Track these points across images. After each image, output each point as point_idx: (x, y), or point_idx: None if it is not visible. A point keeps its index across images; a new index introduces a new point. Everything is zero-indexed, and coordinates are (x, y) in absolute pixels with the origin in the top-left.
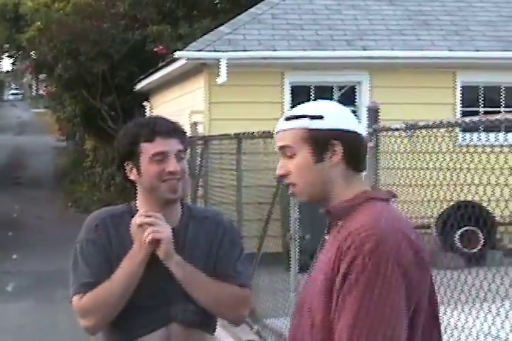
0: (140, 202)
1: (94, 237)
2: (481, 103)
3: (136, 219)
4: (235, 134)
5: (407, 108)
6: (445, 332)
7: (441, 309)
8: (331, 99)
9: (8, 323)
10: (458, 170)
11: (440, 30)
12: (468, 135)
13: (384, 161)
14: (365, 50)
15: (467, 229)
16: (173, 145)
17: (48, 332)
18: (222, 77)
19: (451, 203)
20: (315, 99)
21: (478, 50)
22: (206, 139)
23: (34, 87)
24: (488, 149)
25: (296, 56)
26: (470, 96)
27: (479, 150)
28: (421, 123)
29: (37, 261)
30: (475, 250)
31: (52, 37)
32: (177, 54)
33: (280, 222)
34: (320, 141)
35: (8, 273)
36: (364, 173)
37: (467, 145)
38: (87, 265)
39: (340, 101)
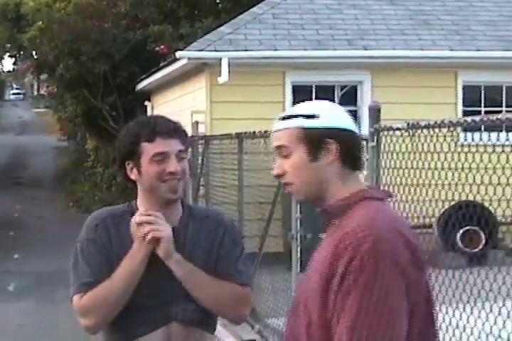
0: (140, 202)
1: (94, 237)
2: (482, 102)
3: (136, 218)
4: (236, 134)
5: (408, 108)
6: (447, 331)
7: (443, 309)
8: (332, 98)
9: (8, 323)
10: (459, 170)
11: (441, 30)
12: (469, 134)
13: (385, 161)
14: (366, 49)
15: (469, 229)
16: (173, 145)
17: (48, 331)
18: (224, 77)
19: (453, 203)
20: (316, 99)
21: (479, 50)
22: (207, 139)
23: (35, 87)
24: (489, 149)
25: (297, 56)
26: (471, 96)
27: (481, 149)
28: (422, 123)
29: (38, 261)
30: (476, 250)
31: (53, 37)
32: (178, 54)
33: (281, 222)
34: (315, 140)
35: (9, 273)
36: (362, 172)
37: (469, 145)
38: (87, 264)
39: (341, 101)
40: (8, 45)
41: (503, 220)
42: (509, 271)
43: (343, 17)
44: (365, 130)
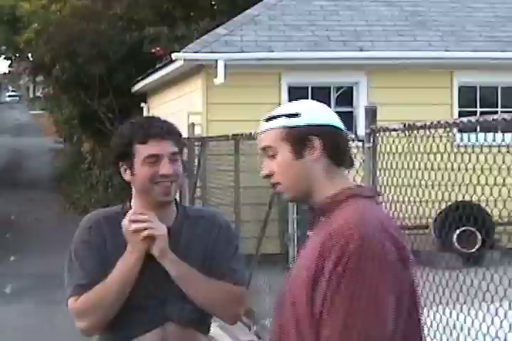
0: (135, 203)
1: (88, 239)
2: (478, 103)
3: (131, 217)
4: (232, 135)
5: (404, 108)
6: (444, 332)
7: (440, 309)
8: (328, 99)
9: (5, 325)
10: (455, 171)
11: (437, 31)
12: (465, 135)
13: (382, 162)
14: (362, 50)
15: (465, 230)
16: (166, 147)
17: (45, 334)
18: (220, 78)
19: (449, 203)
20: (313, 100)
21: (475, 51)
22: (204, 140)
23: (31, 89)
24: (485, 149)
25: (293, 57)
26: (467, 97)
27: (477, 150)
28: (418, 124)
29: (35, 263)
30: (473, 250)
31: (49, 39)
32: (174, 55)
33: (278, 223)
34: (298, 138)
35: (5, 275)
36: (350, 169)
37: (465, 146)
38: (81, 267)
39: (337, 102)
40: (4, 48)
41: (500, 221)
42: (506, 272)
43: (338, 18)
44: (361, 131)
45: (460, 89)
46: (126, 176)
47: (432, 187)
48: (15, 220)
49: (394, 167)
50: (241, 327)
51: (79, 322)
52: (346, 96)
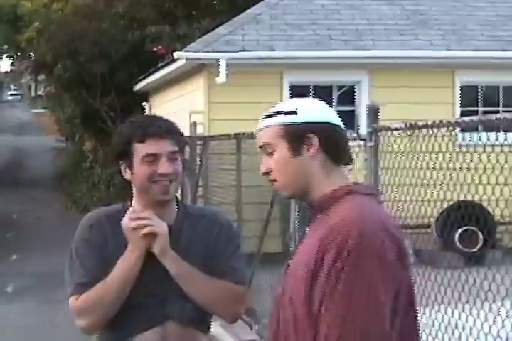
0: (135, 202)
1: (89, 237)
2: (479, 103)
3: (131, 215)
4: (234, 134)
5: (405, 107)
6: (446, 331)
7: (442, 308)
8: (330, 98)
9: (7, 324)
10: (457, 170)
11: (438, 30)
12: (467, 134)
13: (384, 161)
14: (363, 49)
15: (467, 229)
16: (165, 146)
17: (47, 332)
18: (222, 78)
19: (451, 203)
20: (314, 99)
21: (476, 50)
22: (206, 139)
23: (33, 88)
24: (488, 149)
25: (295, 56)
26: (469, 96)
27: (479, 149)
28: (420, 123)
29: (36, 262)
30: (475, 250)
31: (51, 37)
32: (176, 54)
33: (280, 222)
34: (295, 135)
35: (7, 274)
36: (348, 166)
37: (467, 145)
38: (82, 265)
39: (339, 101)
40: (6, 46)
41: (501, 220)
42: (507, 271)
43: (340, 17)
44: (362, 130)
45: (462, 88)
46: (126, 175)
47: (434, 187)
48: (16, 219)
49: (396, 166)
50: (243, 326)
51: (79, 321)
52: (348, 95)
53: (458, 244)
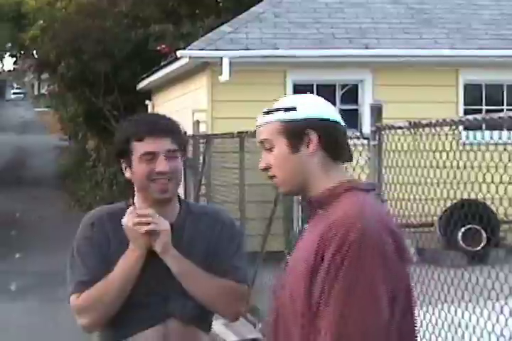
0: (137, 200)
1: (91, 235)
2: (483, 101)
3: (134, 211)
4: (237, 132)
5: (409, 106)
6: (449, 330)
7: (445, 307)
8: (333, 97)
9: (10, 322)
10: (461, 168)
11: (442, 28)
12: (471, 133)
13: (387, 159)
14: (367, 48)
15: (470, 228)
16: (163, 145)
17: (50, 331)
18: (225, 76)
19: (455, 201)
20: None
21: (480, 48)
22: (209, 138)
23: (36, 87)
24: (491, 147)
25: (299, 54)
26: (472, 95)
27: (483, 148)
28: (424, 122)
29: (39, 260)
30: (478, 248)
31: (54, 36)
32: (179, 53)
33: (283, 221)
34: (294, 132)
35: (10, 273)
36: (347, 163)
37: (470, 144)
38: (83, 263)
39: (342, 100)
40: (9, 45)
41: (505, 219)
42: (511, 270)
43: (344, 15)
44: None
45: (465, 86)
46: (127, 173)
47: (438, 185)
48: (19, 218)
49: (399, 165)
50: (246, 324)
51: (80, 319)
52: (351, 93)
53: (461, 242)
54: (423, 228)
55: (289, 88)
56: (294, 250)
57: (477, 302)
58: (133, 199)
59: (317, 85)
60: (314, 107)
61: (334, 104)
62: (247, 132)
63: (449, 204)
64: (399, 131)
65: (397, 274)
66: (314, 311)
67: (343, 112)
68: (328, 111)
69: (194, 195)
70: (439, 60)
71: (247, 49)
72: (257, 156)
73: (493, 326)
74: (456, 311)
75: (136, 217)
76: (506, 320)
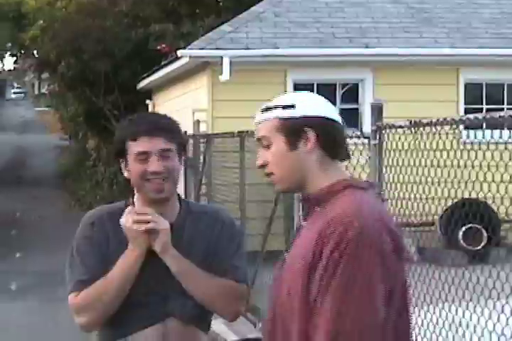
0: (136, 199)
1: (90, 235)
2: (484, 100)
3: (135, 209)
4: (237, 132)
5: (409, 105)
6: (450, 329)
7: (446, 307)
8: (334, 96)
9: (11, 322)
10: (462, 168)
11: (443, 28)
12: (471, 132)
13: (388, 159)
14: (367, 47)
15: (471, 227)
16: (156, 144)
17: (50, 331)
18: (225, 75)
19: (455, 200)
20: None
21: (481, 47)
22: (209, 137)
23: (37, 86)
24: (492, 146)
25: (299, 54)
26: (473, 94)
27: (483, 147)
28: (424, 121)
29: (40, 260)
30: (479, 247)
31: (54, 35)
32: (180, 52)
33: (284, 220)
34: (292, 129)
35: (10, 272)
36: (345, 161)
37: (471, 143)
38: (82, 263)
39: (343, 99)
40: (9, 44)
41: (506, 218)
42: None
43: (344, 15)
44: (366, 128)
45: (466, 86)
46: (125, 173)
47: (438, 184)
48: (20, 217)
49: (400, 164)
50: (247, 324)
51: (78, 318)
52: (352, 93)
53: (462, 241)
54: (424, 227)
55: (290, 87)
56: (291, 247)
57: (478, 301)
58: (133, 198)
59: (317, 84)
60: (313, 105)
61: (335, 103)
62: (247, 131)
63: (449, 203)
64: (399, 130)
65: (395, 273)
66: (312, 308)
67: (343, 111)
68: (327, 109)
69: (195, 194)
70: (439, 59)
71: (248, 48)
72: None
73: (494, 325)
74: (456, 310)
75: (135, 215)
76: (507, 319)
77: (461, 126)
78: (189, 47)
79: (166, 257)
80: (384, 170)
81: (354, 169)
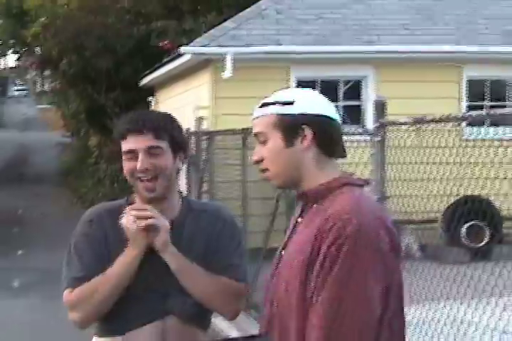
0: (137, 197)
1: (88, 232)
2: (486, 97)
3: (134, 206)
4: (240, 129)
5: (412, 102)
6: (452, 327)
7: (448, 304)
8: (336, 93)
9: (13, 319)
10: (464, 165)
11: (445, 25)
12: (474, 129)
13: (390, 156)
14: (370, 44)
15: (473, 224)
16: (142, 142)
17: (52, 328)
18: (228, 72)
19: (458, 197)
20: (321, 94)
21: (483, 44)
22: (211, 134)
23: (39, 83)
24: (496, 143)
25: (301, 51)
26: (475, 91)
27: (486, 144)
28: (427, 118)
29: (42, 257)
30: (481, 245)
31: (56, 32)
32: (182, 49)
33: (286, 217)
34: (289, 126)
35: (13, 269)
36: (341, 159)
37: (473, 140)
38: (79, 260)
39: (345, 96)
40: (11, 42)
41: (508, 215)
42: None
43: (346, 12)
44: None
45: (468, 82)
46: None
47: (441, 182)
48: (22, 215)
49: (402, 161)
50: (249, 320)
51: (71, 314)
52: (354, 90)
53: (464, 239)
54: (426, 224)
55: (292, 84)
56: (286, 244)
57: (480, 298)
58: (134, 195)
59: (320, 81)
60: (311, 102)
61: (337, 100)
62: (249, 129)
63: (452, 200)
64: (402, 127)
65: (392, 270)
66: (309, 304)
67: (345, 108)
68: (325, 106)
69: (196, 191)
70: (441, 56)
71: (250, 45)
72: None
73: (496, 322)
74: (458, 308)
75: (134, 211)
76: (509, 316)
77: (464, 123)
78: (191, 44)
79: (165, 254)
80: (386, 167)
81: (357, 166)
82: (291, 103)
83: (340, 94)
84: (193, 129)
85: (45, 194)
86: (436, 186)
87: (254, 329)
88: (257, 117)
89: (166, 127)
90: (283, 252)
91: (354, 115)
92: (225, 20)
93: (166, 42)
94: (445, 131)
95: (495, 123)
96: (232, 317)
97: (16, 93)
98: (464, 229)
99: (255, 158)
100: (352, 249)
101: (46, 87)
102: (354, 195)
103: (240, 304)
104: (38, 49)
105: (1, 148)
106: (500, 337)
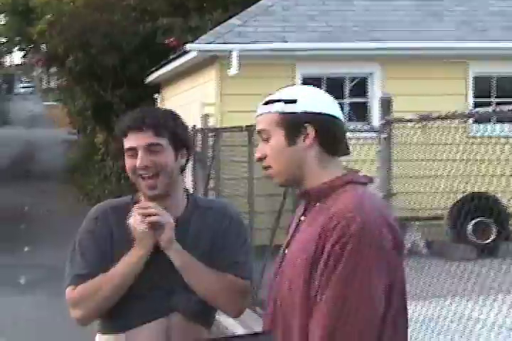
0: (142, 194)
1: (93, 229)
2: (493, 94)
3: (140, 204)
4: (246, 126)
5: (418, 99)
6: (459, 323)
7: (455, 300)
8: (342, 90)
9: (20, 316)
10: (471, 161)
11: (451, 21)
12: (481, 126)
13: (397, 152)
14: (376, 41)
15: (480, 221)
16: (142, 139)
17: (58, 325)
18: (234, 69)
19: (464, 194)
20: (326, 91)
21: (489, 41)
22: (217, 131)
23: (45, 80)
24: (501, 140)
25: (307, 48)
26: (482, 87)
27: (493, 141)
28: (434, 115)
29: (48, 254)
30: (488, 241)
31: (62, 30)
32: (188, 46)
33: (293, 214)
34: (292, 124)
35: (19, 266)
36: (346, 157)
37: (480, 137)
38: (83, 257)
39: (351, 93)
40: (18, 39)
41: None
42: None
43: (352, 8)
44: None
45: (475, 79)
46: None
47: (447, 178)
48: (28, 211)
49: (409, 158)
50: (255, 317)
51: (74, 311)
52: (360, 87)
53: (471, 235)
54: (432, 221)
55: (298, 81)
56: (290, 242)
57: (487, 295)
58: (139, 193)
59: (326, 78)
60: (314, 101)
61: (343, 97)
62: (254, 126)
63: (458, 197)
64: (408, 124)
65: (395, 268)
66: (312, 303)
67: (352, 105)
68: (328, 105)
69: (203, 188)
70: (448, 52)
71: (256, 42)
72: None
73: (504, 319)
74: (465, 304)
75: (139, 209)
76: None
77: (470, 120)
78: (197, 41)
79: (170, 251)
80: (393, 163)
81: (364, 163)
82: (294, 101)
83: (346, 91)
84: (199, 126)
85: (52, 191)
86: (443, 183)
87: (259, 327)
88: (261, 114)
89: (167, 124)
90: (286, 251)
91: (360, 112)
92: (230, 17)
93: (171, 39)
94: (451, 128)
95: (501, 121)
96: (236, 315)
97: (22, 90)
98: (470, 226)
99: (258, 155)
100: (356, 247)
101: (52, 84)
102: (357, 193)
103: (245, 302)
104: (44, 46)
105: (7, 145)
106: (507, 334)
